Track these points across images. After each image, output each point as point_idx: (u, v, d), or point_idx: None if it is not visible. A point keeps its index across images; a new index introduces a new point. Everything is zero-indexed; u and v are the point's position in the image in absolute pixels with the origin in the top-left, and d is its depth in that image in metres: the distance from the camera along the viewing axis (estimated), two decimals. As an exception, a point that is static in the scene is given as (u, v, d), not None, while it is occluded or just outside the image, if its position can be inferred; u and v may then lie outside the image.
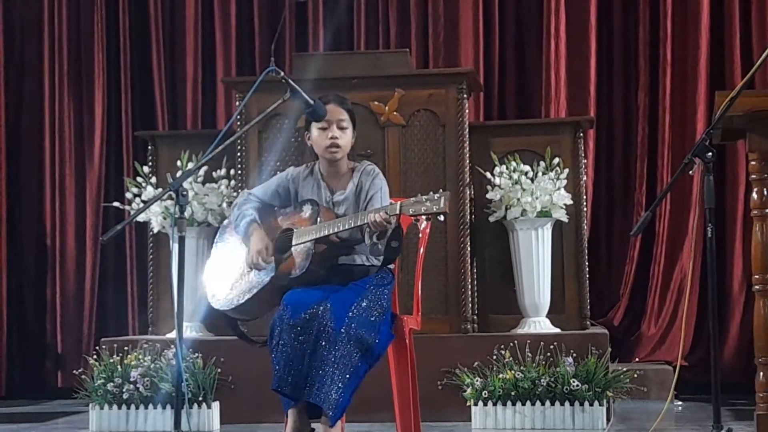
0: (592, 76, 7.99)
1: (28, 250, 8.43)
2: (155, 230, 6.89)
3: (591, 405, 5.97)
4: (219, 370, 6.31)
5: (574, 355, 6.07)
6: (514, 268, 6.60)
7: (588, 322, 6.74)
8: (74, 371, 6.60)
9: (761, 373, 4.82)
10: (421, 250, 5.09)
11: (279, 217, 4.86)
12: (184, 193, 4.30)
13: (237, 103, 7.02)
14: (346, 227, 4.58)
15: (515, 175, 6.50)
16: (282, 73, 4.55)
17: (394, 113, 6.64)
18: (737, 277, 7.65)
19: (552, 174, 6.52)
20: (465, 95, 6.64)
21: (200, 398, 6.21)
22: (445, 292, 6.57)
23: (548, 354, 6.09)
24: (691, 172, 4.33)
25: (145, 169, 6.94)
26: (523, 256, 6.54)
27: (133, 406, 6.28)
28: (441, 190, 4.41)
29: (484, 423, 6.04)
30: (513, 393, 6.00)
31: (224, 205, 6.71)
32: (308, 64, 6.83)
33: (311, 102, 4.60)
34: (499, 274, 6.76)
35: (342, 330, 4.49)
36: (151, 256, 7.03)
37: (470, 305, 6.58)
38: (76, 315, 8.26)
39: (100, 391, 6.29)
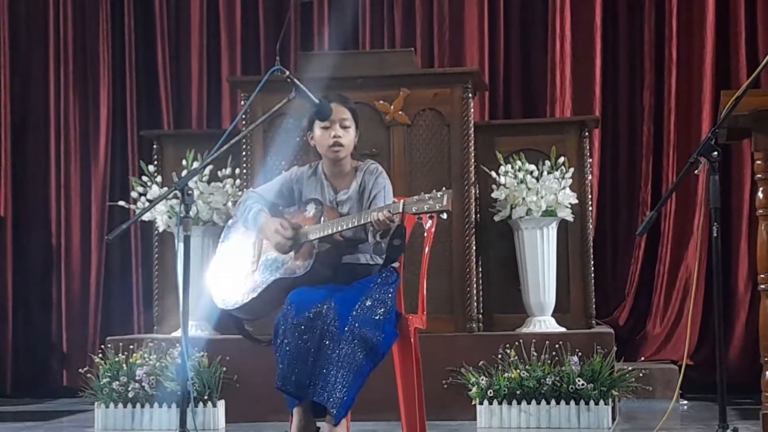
0: (598, 75, 8.00)
1: (34, 249, 8.44)
2: (160, 229, 6.90)
3: (596, 404, 5.97)
4: (224, 368, 6.31)
5: (580, 354, 6.06)
6: (519, 267, 6.60)
7: (593, 321, 6.74)
8: (80, 370, 6.60)
9: (767, 372, 4.82)
10: (427, 249, 5.08)
11: (283, 216, 4.85)
12: (190, 192, 4.30)
13: (242, 102, 7.03)
14: (350, 226, 4.58)
15: (520, 175, 6.50)
16: (287, 73, 4.55)
17: (399, 113, 6.64)
18: (743, 276, 7.65)
19: (557, 173, 6.51)
20: (470, 95, 6.64)
21: (206, 397, 6.21)
22: (450, 291, 6.57)
23: (553, 353, 6.09)
24: (696, 171, 4.32)
25: (151, 168, 6.95)
26: (528, 255, 6.54)
27: (138, 405, 6.28)
28: (444, 189, 4.41)
29: (490, 422, 6.03)
30: (518, 392, 6.00)
31: (229, 204, 6.71)
32: (313, 63, 6.83)
33: (316, 101, 4.61)
34: (504, 273, 6.76)
35: (346, 329, 4.49)
36: (156, 255, 7.04)
37: (475, 304, 6.58)
38: (81, 314, 8.27)
39: (106, 390, 6.30)
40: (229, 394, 6.34)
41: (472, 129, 6.64)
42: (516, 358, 6.09)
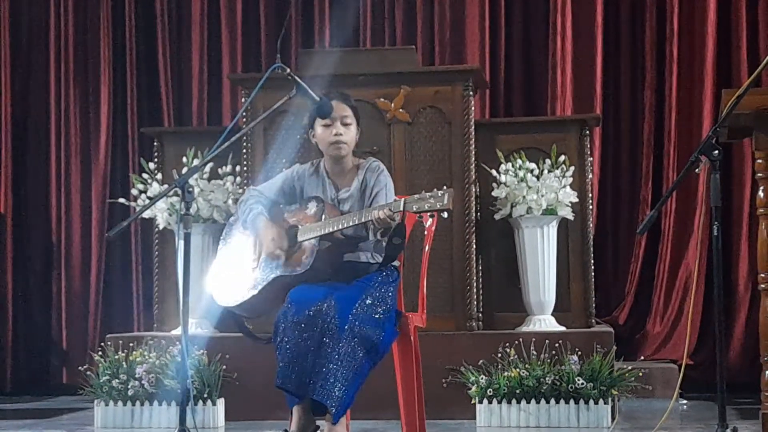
0: (599, 73, 7.99)
1: (34, 247, 8.44)
2: (161, 227, 6.89)
3: (596, 403, 5.96)
4: (224, 366, 6.31)
5: (579, 353, 6.06)
6: (520, 265, 6.60)
7: (593, 320, 6.73)
8: (79, 368, 6.59)
9: (767, 372, 4.81)
10: (427, 247, 5.08)
11: (284, 214, 4.86)
12: (190, 189, 4.30)
13: (243, 99, 7.02)
14: (351, 224, 4.59)
15: (521, 173, 6.49)
16: (288, 70, 4.55)
17: (400, 110, 6.64)
18: (743, 275, 7.65)
19: (558, 172, 6.51)
20: (471, 92, 6.64)
21: (205, 395, 6.21)
22: (450, 289, 6.56)
23: (553, 352, 6.08)
24: (697, 170, 4.31)
25: (151, 165, 6.94)
26: (528, 253, 6.53)
27: (138, 403, 6.28)
28: (445, 187, 4.41)
29: (489, 421, 6.03)
30: (518, 391, 6.00)
31: (230, 201, 6.71)
32: (314, 60, 6.83)
33: (317, 99, 4.60)
34: (505, 271, 6.76)
35: (346, 327, 4.49)
36: (156, 253, 7.04)
37: (475, 303, 6.58)
38: (81, 311, 8.27)
39: (105, 388, 6.29)
40: (228, 393, 6.33)
41: (473, 127, 6.63)
42: (516, 356, 6.09)
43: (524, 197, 6.46)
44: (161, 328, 6.93)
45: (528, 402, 6.00)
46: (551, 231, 6.54)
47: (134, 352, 6.34)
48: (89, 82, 8.45)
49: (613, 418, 6.03)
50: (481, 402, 6.05)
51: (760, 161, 4.86)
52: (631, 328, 7.84)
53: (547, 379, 5.97)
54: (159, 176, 6.88)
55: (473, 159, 6.61)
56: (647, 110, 7.96)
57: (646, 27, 7.99)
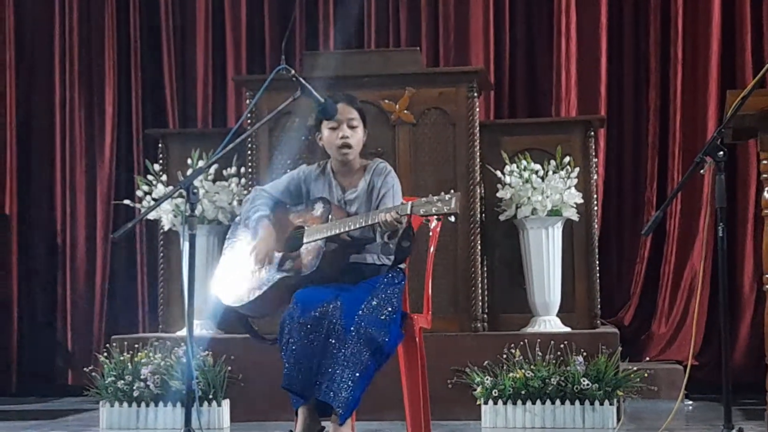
0: (603, 75, 7.99)
1: (39, 248, 8.45)
2: (166, 228, 6.90)
3: (601, 404, 5.96)
4: (229, 367, 6.32)
5: (585, 354, 6.06)
6: (525, 266, 6.60)
7: (598, 321, 6.73)
8: (85, 369, 6.60)
9: (772, 373, 4.81)
10: (432, 248, 5.08)
11: (290, 214, 4.86)
12: (195, 191, 4.30)
13: (247, 101, 7.03)
14: (357, 226, 4.58)
15: (526, 174, 6.49)
16: (292, 72, 4.55)
17: (405, 112, 6.64)
18: (748, 276, 7.64)
19: (562, 173, 6.51)
20: (475, 94, 6.64)
21: (210, 396, 6.22)
22: (455, 290, 6.57)
23: (558, 353, 6.08)
24: (702, 171, 4.32)
25: (156, 167, 6.95)
26: (533, 254, 6.53)
27: (143, 404, 6.29)
28: (452, 191, 4.41)
29: (494, 422, 6.03)
30: (523, 392, 6.00)
31: (234, 203, 6.71)
32: (319, 62, 6.84)
33: (322, 100, 4.60)
34: (510, 272, 6.76)
35: (352, 328, 4.48)
36: (161, 254, 7.04)
37: (480, 304, 6.58)
38: (86, 313, 8.28)
39: (111, 389, 6.30)
40: (234, 394, 6.34)
41: (478, 128, 6.63)
42: (521, 357, 6.09)
43: (529, 198, 6.46)
44: (166, 329, 6.93)
45: (533, 403, 6.00)
46: (556, 232, 6.54)
47: (139, 354, 6.35)
48: (94, 84, 8.46)
49: (618, 419, 6.03)
50: (486, 403, 6.05)
51: (765, 162, 4.87)
52: (636, 329, 7.84)
53: (552, 380, 5.97)
54: (164, 178, 6.89)
55: (478, 160, 6.61)
56: (652, 111, 7.95)
57: (650, 28, 7.98)
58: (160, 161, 7.03)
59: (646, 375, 6.25)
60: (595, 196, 6.84)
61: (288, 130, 6.70)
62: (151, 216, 6.71)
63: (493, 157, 6.70)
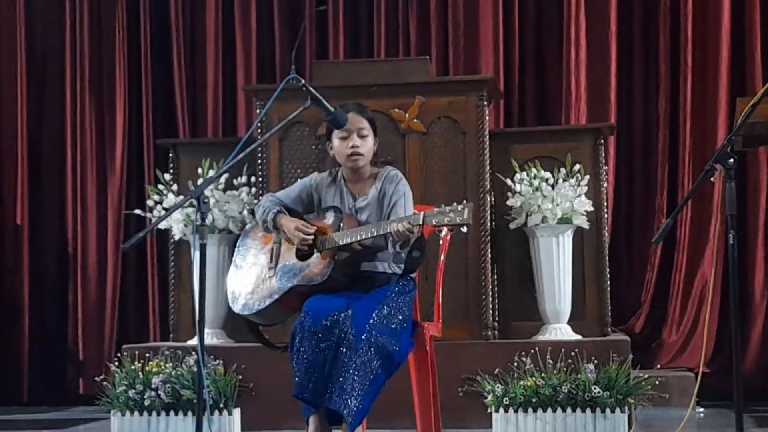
0: (613, 82, 7.99)
1: (50, 258, 8.47)
2: (176, 237, 6.91)
3: (612, 412, 5.95)
4: (240, 376, 6.32)
5: (596, 361, 6.05)
6: (535, 274, 6.59)
7: (609, 329, 6.72)
8: (96, 378, 6.61)
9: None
10: (442, 257, 5.09)
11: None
12: (206, 200, 4.31)
13: (257, 110, 7.04)
14: (369, 236, 4.59)
15: (536, 182, 6.49)
16: (302, 81, 4.56)
17: (415, 120, 6.65)
18: (759, 283, 7.63)
19: (573, 181, 6.51)
20: (485, 102, 6.64)
21: (221, 405, 6.22)
22: (465, 298, 6.56)
23: (569, 361, 6.07)
24: (712, 178, 4.32)
25: (167, 176, 6.96)
26: (543, 262, 6.53)
27: (154, 413, 6.29)
28: (465, 202, 4.41)
29: (505, 430, 6.02)
30: (534, 400, 5.99)
31: (245, 212, 6.72)
32: (328, 71, 6.86)
33: (332, 109, 4.61)
34: (520, 280, 6.75)
35: (363, 337, 4.49)
36: (172, 263, 7.05)
37: (491, 312, 6.57)
38: (97, 322, 8.29)
39: (122, 398, 6.31)
40: (244, 402, 6.35)
41: (487, 137, 6.63)
42: (532, 365, 6.08)
43: (539, 206, 6.46)
44: (177, 338, 6.94)
45: (544, 411, 5.99)
46: (566, 240, 6.54)
47: (150, 363, 6.35)
48: (104, 93, 8.48)
49: (629, 427, 6.02)
50: (497, 411, 6.04)
51: (775, 169, 4.86)
52: (647, 336, 7.82)
53: (563, 387, 5.96)
54: (174, 187, 6.90)
55: (488, 168, 6.61)
56: (662, 119, 7.94)
57: (660, 35, 7.98)
58: (171, 171, 7.04)
59: (657, 382, 6.23)
60: (605, 203, 6.83)
61: (298, 139, 6.70)
62: (162, 225, 6.72)
63: (503, 166, 6.70)
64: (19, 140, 8.46)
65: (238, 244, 5.02)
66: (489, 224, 6.61)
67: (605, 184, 6.86)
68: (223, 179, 6.77)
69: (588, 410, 5.96)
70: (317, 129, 6.58)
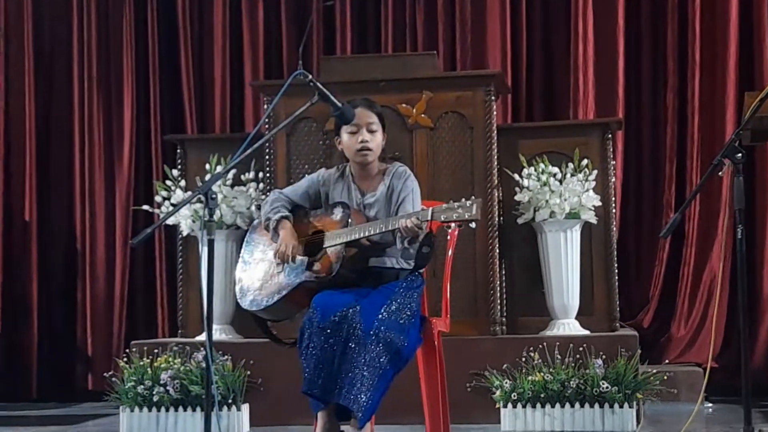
0: (620, 77, 7.97)
1: (59, 254, 8.48)
2: (184, 233, 6.92)
3: (621, 407, 5.96)
4: (248, 372, 6.33)
5: (604, 357, 6.05)
6: (543, 269, 6.59)
7: (617, 324, 6.72)
8: (104, 374, 6.63)
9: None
10: (450, 252, 5.09)
11: (310, 218, 4.87)
12: (213, 196, 4.31)
13: (265, 106, 7.04)
14: (377, 232, 4.59)
15: (543, 177, 6.49)
16: (310, 77, 4.56)
17: (422, 115, 6.65)
18: (767, 278, 7.61)
19: (580, 176, 6.50)
20: (493, 97, 6.64)
21: (230, 400, 6.23)
22: (473, 294, 6.56)
23: (577, 356, 6.08)
24: (720, 173, 4.31)
25: (174, 172, 6.97)
26: (551, 257, 6.53)
27: (163, 409, 6.31)
28: (473, 197, 4.41)
29: (514, 425, 6.03)
30: (542, 395, 5.99)
31: (253, 207, 6.73)
32: (336, 67, 6.85)
33: (339, 105, 4.61)
34: (528, 276, 6.75)
35: (371, 333, 4.49)
36: (180, 259, 7.06)
37: (499, 307, 6.57)
38: (106, 318, 8.30)
39: (131, 394, 6.32)
40: (253, 398, 6.36)
41: (495, 132, 6.63)
42: (540, 361, 6.09)
43: (547, 201, 6.46)
44: (185, 334, 6.95)
45: (552, 406, 6.00)
46: (574, 235, 6.54)
47: (159, 359, 6.37)
48: (112, 90, 8.49)
49: (638, 422, 6.02)
50: (505, 406, 6.05)
51: (783, 163, 4.85)
52: (655, 331, 7.81)
53: (571, 383, 5.96)
54: (182, 183, 6.91)
55: (495, 163, 6.61)
56: (670, 113, 7.93)
57: (668, 30, 7.96)
58: (179, 166, 7.05)
59: (665, 377, 6.24)
60: (613, 198, 6.83)
61: (305, 134, 6.71)
62: (170, 221, 6.73)
63: (511, 161, 6.70)
64: (28, 137, 8.47)
65: (245, 239, 5.03)
66: (497, 219, 6.61)
67: (613, 179, 6.85)
68: (230, 175, 6.78)
69: (596, 405, 5.97)
70: (324, 124, 6.58)
